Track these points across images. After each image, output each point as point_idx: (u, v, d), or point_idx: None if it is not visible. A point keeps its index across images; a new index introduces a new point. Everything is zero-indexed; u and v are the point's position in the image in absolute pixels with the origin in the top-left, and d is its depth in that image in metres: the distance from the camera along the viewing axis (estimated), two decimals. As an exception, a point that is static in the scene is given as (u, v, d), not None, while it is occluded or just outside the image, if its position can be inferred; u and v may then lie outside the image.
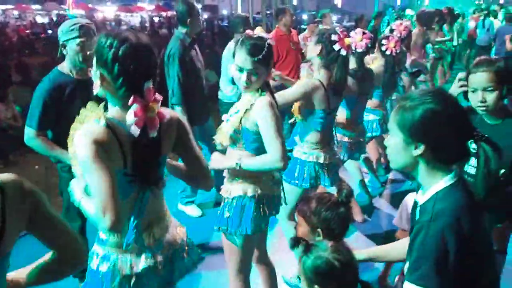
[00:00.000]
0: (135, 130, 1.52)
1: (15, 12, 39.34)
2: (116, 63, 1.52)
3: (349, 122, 3.52)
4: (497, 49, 9.29)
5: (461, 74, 2.19)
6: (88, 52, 2.52)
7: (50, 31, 26.24)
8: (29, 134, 2.60)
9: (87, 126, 1.55)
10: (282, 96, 2.65)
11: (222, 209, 2.32)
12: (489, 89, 2.03)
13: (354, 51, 3.36)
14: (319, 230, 1.85)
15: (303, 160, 2.90)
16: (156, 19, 39.70)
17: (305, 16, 33.34)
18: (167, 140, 1.73)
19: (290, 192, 2.86)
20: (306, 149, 2.91)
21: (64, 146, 2.49)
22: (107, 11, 42.54)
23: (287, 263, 3.10)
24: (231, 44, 4.41)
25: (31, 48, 19.79)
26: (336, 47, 2.75)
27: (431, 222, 1.32)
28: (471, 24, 11.27)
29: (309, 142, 2.90)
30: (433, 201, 1.37)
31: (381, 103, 4.31)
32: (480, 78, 2.03)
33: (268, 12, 8.84)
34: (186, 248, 1.89)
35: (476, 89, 2.06)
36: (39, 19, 35.99)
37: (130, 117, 1.52)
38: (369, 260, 1.83)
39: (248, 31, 2.25)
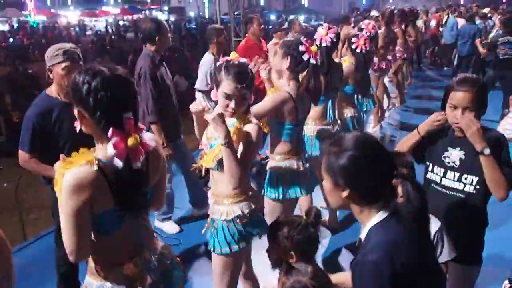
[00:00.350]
0: (118, 162, 1.51)
1: (-27, 20, 37.84)
2: (90, 97, 1.51)
3: (319, 117, 3.57)
4: (459, 47, 9.59)
5: (439, 115, 2.22)
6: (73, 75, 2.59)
7: (11, 40, 25.41)
8: (23, 157, 2.71)
9: (77, 170, 1.54)
10: (253, 110, 2.66)
11: (216, 231, 2.34)
12: (469, 109, 2.07)
13: (319, 46, 3.40)
14: (292, 253, 1.90)
15: (278, 172, 2.91)
16: (121, 23, 39.13)
17: (273, 16, 33.58)
18: (155, 171, 1.75)
19: (272, 208, 2.87)
20: (278, 161, 2.93)
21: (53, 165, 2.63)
22: (71, 16, 41.51)
23: (268, 276, 3.10)
24: (209, 58, 4.37)
25: (-9, 57, 19.11)
26: (305, 57, 2.78)
27: (364, 258, 1.38)
28: (433, 23, 11.57)
29: (280, 153, 2.92)
30: (367, 238, 1.43)
31: (353, 100, 4.33)
32: (462, 97, 2.06)
33: (235, 13, 8.83)
34: (174, 267, 1.92)
35: (456, 107, 2.10)
36: (-1, 26, 34.77)
37: (110, 150, 1.50)
38: (336, 285, 1.89)
39: (226, 57, 2.28)
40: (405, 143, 2.33)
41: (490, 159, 2.03)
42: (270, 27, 26.64)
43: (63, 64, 2.60)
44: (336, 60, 3.80)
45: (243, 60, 2.24)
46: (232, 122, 2.25)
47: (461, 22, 10.29)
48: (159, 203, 1.94)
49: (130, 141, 1.52)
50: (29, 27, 32.79)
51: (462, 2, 37.12)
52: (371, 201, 1.43)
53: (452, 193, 2.21)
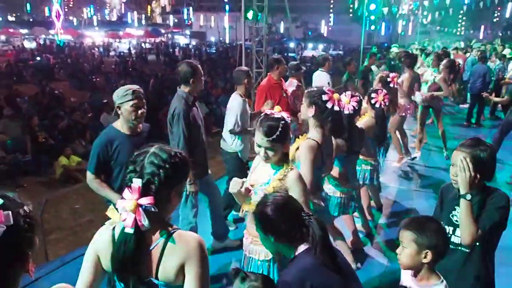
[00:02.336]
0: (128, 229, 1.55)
1: (3, 37, 39.27)
2: None
3: (341, 178, 3.65)
4: (470, 85, 9.71)
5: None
6: (139, 111, 3.07)
7: (38, 58, 26.20)
8: (88, 176, 3.16)
9: (100, 230, 1.69)
10: (304, 177, 2.79)
11: (252, 270, 2.47)
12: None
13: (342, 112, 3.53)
14: None
15: None
16: (144, 45, 40.14)
17: (292, 44, 34.07)
18: (167, 266, 1.57)
19: None
20: None
21: (114, 188, 3.14)
22: (96, 37, 42.77)
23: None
24: (238, 100, 4.52)
25: (19, 75, 19.72)
26: (329, 104, 2.93)
27: (281, 278, 1.85)
28: (460, 62, 11.52)
29: None
30: (288, 266, 1.86)
31: (373, 153, 4.46)
32: (459, 157, 2.20)
33: (256, 39, 8.98)
34: None
35: (454, 164, 2.25)
36: (27, 44, 35.98)
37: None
38: None
39: (267, 110, 2.49)
40: None
41: (468, 205, 2.18)
42: (291, 54, 27.12)
43: (131, 102, 3.03)
44: (358, 124, 3.91)
45: (279, 115, 2.42)
46: (269, 167, 2.46)
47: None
48: None
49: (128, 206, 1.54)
50: (55, 46, 33.89)
51: (481, 37, 37.35)
52: (290, 239, 1.86)
53: (460, 248, 2.32)
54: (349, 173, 3.68)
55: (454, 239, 2.35)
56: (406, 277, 2.11)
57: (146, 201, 1.53)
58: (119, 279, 1.61)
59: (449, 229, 2.36)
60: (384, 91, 4.27)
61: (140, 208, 1.52)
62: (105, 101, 12.07)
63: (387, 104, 4.21)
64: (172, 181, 1.60)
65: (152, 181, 1.56)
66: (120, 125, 3.16)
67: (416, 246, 1.93)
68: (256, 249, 2.48)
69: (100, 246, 1.63)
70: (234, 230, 4.65)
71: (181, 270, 1.56)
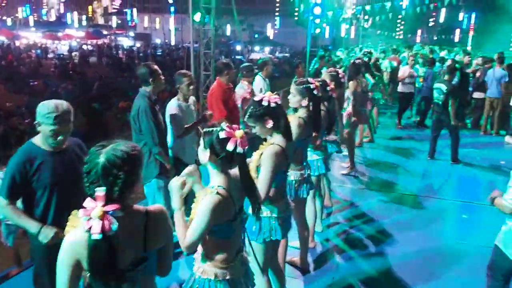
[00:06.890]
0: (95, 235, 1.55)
1: None
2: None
3: (294, 162, 3.57)
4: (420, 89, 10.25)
5: None
6: (58, 138, 2.69)
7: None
8: (0, 203, 2.70)
9: (70, 235, 1.66)
10: (262, 183, 2.75)
11: (189, 284, 2.34)
12: None
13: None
14: None
15: (265, 219, 2.94)
16: (85, 47, 38.58)
17: (239, 47, 34.12)
18: (157, 235, 1.81)
19: (257, 251, 2.92)
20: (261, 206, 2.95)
21: (32, 214, 2.73)
22: (32, 38, 40.65)
23: None
24: (172, 102, 4.41)
25: None
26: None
27: None
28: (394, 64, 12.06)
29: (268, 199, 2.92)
30: None
31: (321, 143, 4.42)
32: None
33: (204, 41, 8.82)
34: None
35: None
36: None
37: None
38: None
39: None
40: None
41: None
42: (238, 57, 27.09)
43: (52, 127, 2.66)
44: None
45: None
46: None
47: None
48: (164, 266, 1.96)
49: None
50: (-13, 48, 31.84)
51: (418, 40, 39.28)
52: None
53: None
54: (302, 157, 3.71)
55: None
56: None
57: (112, 207, 1.57)
58: (97, 279, 1.64)
59: None
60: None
61: (107, 215, 1.56)
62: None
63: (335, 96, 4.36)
64: (133, 179, 1.69)
65: (112, 188, 1.62)
66: (41, 141, 2.75)
67: None
68: (200, 266, 2.37)
69: (79, 251, 1.60)
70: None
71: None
